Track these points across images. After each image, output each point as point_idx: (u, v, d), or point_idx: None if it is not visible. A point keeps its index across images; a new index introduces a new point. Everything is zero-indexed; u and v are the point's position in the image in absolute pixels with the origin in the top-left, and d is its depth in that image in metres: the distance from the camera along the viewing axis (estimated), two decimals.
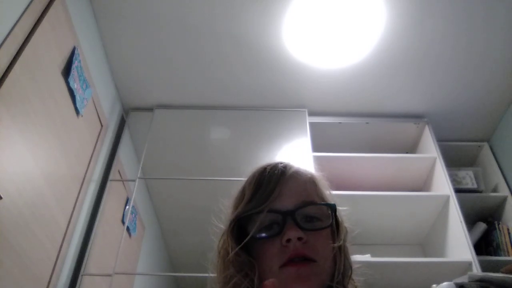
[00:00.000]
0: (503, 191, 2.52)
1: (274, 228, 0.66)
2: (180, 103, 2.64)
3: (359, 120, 2.68)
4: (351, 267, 0.72)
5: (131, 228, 2.47)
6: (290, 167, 0.73)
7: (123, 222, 2.39)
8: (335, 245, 0.68)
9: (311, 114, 2.63)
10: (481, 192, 2.59)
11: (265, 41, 2.32)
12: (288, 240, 0.63)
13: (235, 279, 0.66)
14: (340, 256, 0.69)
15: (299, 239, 0.64)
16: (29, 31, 1.59)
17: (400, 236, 2.60)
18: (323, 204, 0.70)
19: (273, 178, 0.70)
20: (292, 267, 0.63)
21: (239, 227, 0.69)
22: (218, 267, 0.70)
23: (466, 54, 2.38)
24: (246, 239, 0.66)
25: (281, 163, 0.74)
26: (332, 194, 0.76)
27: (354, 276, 0.74)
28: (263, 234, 0.66)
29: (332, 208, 0.70)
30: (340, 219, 0.72)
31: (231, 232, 0.69)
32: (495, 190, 2.59)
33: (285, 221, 0.65)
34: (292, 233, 0.63)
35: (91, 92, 2.10)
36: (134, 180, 2.43)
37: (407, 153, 2.79)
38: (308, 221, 0.67)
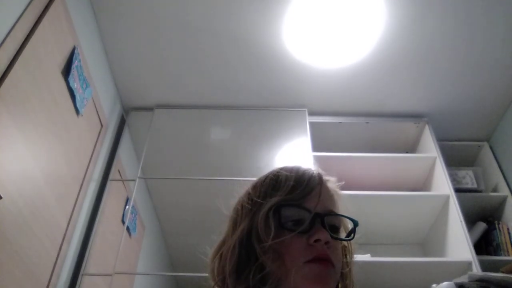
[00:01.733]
0: (503, 190, 2.52)
1: (303, 225, 0.67)
2: (180, 103, 2.64)
3: (359, 119, 2.68)
4: (353, 283, 0.74)
5: (131, 227, 2.47)
6: (323, 174, 0.76)
7: (123, 222, 2.39)
8: (347, 259, 0.73)
9: (311, 113, 2.63)
10: (481, 191, 2.58)
11: (265, 41, 2.32)
12: (317, 241, 0.66)
13: (269, 267, 0.66)
14: (349, 270, 0.73)
15: (327, 243, 0.66)
16: (29, 31, 1.59)
17: (400, 236, 2.60)
18: (349, 218, 0.73)
19: (312, 180, 0.72)
20: (318, 264, 0.65)
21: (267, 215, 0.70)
22: (236, 255, 0.69)
23: (466, 54, 2.38)
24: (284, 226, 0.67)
25: (314, 169, 0.76)
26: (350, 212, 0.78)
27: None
28: (295, 228, 0.67)
29: (355, 224, 0.73)
30: (353, 236, 0.74)
31: (272, 215, 0.69)
32: (495, 189, 2.59)
33: (314, 222, 0.67)
34: (323, 235, 0.66)
35: (91, 92, 2.10)
36: (134, 180, 2.43)
37: (407, 152, 2.79)
38: (333, 229, 0.70)
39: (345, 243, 0.74)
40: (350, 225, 0.73)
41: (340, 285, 0.72)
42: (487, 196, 2.54)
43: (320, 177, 0.74)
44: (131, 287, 2.43)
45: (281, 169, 0.76)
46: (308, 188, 0.71)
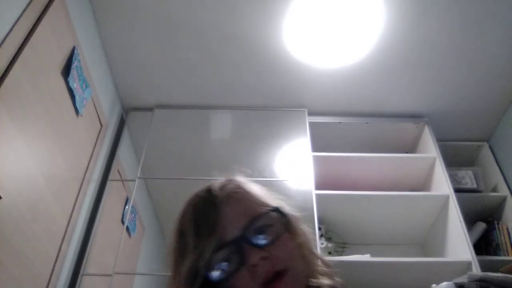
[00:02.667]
0: (503, 191, 2.52)
1: (234, 262, 0.62)
2: (180, 103, 2.64)
3: (359, 120, 2.68)
4: (317, 258, 0.69)
5: (130, 228, 2.47)
6: (221, 190, 0.68)
7: (122, 222, 2.39)
8: (296, 242, 0.66)
9: (311, 113, 2.63)
10: (480, 192, 2.58)
11: (265, 41, 2.32)
12: (255, 265, 0.60)
13: None
14: (305, 251, 0.67)
15: (263, 258, 0.61)
16: (28, 31, 1.59)
17: (400, 236, 2.60)
18: (267, 211, 0.65)
19: (210, 212, 0.65)
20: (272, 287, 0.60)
21: (193, 276, 0.63)
22: None
23: (466, 54, 2.38)
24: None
25: (208, 189, 0.69)
26: (270, 193, 0.72)
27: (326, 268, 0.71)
28: (226, 273, 0.62)
29: (276, 211, 0.66)
30: (289, 215, 0.68)
31: (189, 284, 0.63)
32: (494, 190, 2.59)
33: (241, 249, 0.61)
34: (254, 258, 0.61)
35: (91, 92, 2.10)
36: (133, 180, 2.43)
37: (407, 153, 2.79)
38: (264, 236, 0.63)
39: (288, 226, 0.67)
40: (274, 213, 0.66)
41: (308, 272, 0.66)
42: (486, 196, 2.54)
43: (215, 200, 0.67)
44: (131, 287, 2.43)
45: (181, 215, 0.69)
46: (210, 225, 0.64)
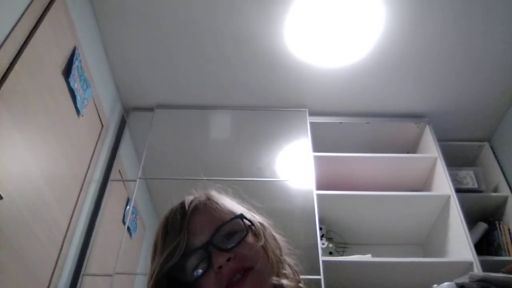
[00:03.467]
0: (504, 191, 2.52)
1: (203, 264, 0.67)
2: (181, 103, 2.64)
3: (359, 120, 2.67)
4: (279, 257, 0.74)
5: (131, 228, 2.47)
6: (190, 202, 0.75)
7: (123, 222, 2.39)
8: (259, 244, 0.71)
9: (312, 114, 2.63)
10: (481, 192, 2.58)
11: (266, 41, 2.32)
12: (220, 267, 0.66)
13: None
14: (267, 251, 0.72)
15: (228, 260, 0.66)
16: (29, 31, 1.59)
17: (401, 236, 2.60)
18: (232, 219, 0.71)
19: (177, 222, 0.71)
20: (235, 286, 0.66)
21: (167, 279, 0.69)
22: None
23: (466, 54, 2.38)
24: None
25: (181, 203, 0.76)
26: (236, 203, 0.78)
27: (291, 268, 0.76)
28: (195, 275, 0.68)
29: (240, 217, 0.72)
30: (253, 221, 0.74)
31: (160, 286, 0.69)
32: (495, 190, 2.59)
33: (209, 253, 0.67)
34: (220, 259, 0.66)
35: (92, 92, 2.10)
36: (134, 180, 2.43)
37: (407, 153, 2.78)
38: (230, 239, 0.69)
39: (253, 230, 0.73)
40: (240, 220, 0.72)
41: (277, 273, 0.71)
42: (487, 196, 2.54)
43: (184, 211, 0.73)
44: (132, 287, 2.43)
45: (155, 233, 0.75)
46: (177, 232, 0.70)
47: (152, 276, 0.70)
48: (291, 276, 0.74)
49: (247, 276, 0.66)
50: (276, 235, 0.78)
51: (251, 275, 0.66)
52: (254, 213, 0.79)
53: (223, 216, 0.72)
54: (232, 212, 0.74)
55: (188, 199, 0.76)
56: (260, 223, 0.76)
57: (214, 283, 0.66)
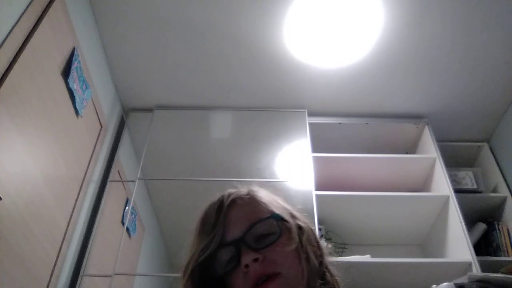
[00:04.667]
0: (503, 191, 2.52)
1: (233, 261, 0.67)
2: (180, 103, 2.64)
3: (359, 120, 2.68)
4: (316, 265, 0.70)
5: (130, 228, 2.47)
6: (228, 196, 0.73)
7: (122, 223, 2.39)
8: (288, 249, 0.67)
9: (311, 114, 2.63)
10: (481, 192, 2.58)
11: (265, 42, 2.32)
12: (247, 266, 0.64)
13: None
14: (300, 258, 0.68)
15: (255, 260, 0.64)
16: (28, 32, 1.59)
17: (400, 237, 2.60)
18: (266, 218, 0.69)
19: (215, 214, 0.71)
20: None
21: (200, 270, 0.69)
22: None
23: (465, 54, 2.38)
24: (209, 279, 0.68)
25: (221, 195, 0.74)
26: (278, 201, 0.76)
27: (334, 273, 0.73)
28: (225, 270, 0.67)
29: (276, 218, 0.70)
30: (289, 225, 0.71)
31: (192, 280, 0.69)
32: (494, 190, 2.59)
33: (239, 250, 0.66)
34: (246, 258, 0.64)
35: (91, 93, 2.10)
36: (133, 181, 2.43)
37: (407, 153, 2.79)
38: (262, 240, 0.67)
39: (288, 234, 0.69)
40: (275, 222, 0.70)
41: (313, 282, 0.68)
42: (487, 197, 2.54)
43: (221, 204, 0.72)
44: None
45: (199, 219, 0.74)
46: (212, 226, 0.69)
47: (186, 267, 0.70)
48: (330, 285, 0.71)
49: (271, 282, 0.64)
50: (321, 242, 0.75)
51: (276, 281, 0.64)
52: (297, 214, 0.76)
53: (260, 214, 0.70)
54: (270, 211, 0.71)
55: (228, 192, 0.75)
56: (299, 225, 0.72)
57: (241, 282, 0.65)
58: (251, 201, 0.72)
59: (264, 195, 0.75)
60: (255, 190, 0.76)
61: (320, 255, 0.72)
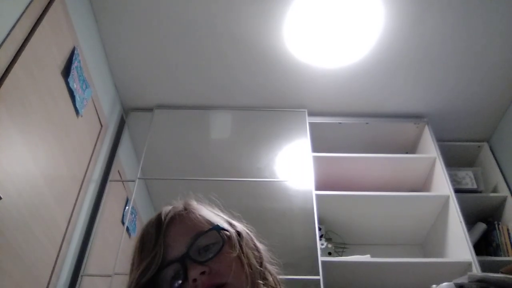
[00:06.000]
0: (503, 191, 2.52)
1: (179, 278, 0.67)
2: (180, 103, 2.64)
3: (359, 120, 2.68)
4: (257, 268, 0.73)
5: (131, 228, 2.47)
6: (166, 213, 0.74)
7: (123, 223, 2.39)
8: (231, 256, 0.69)
9: (311, 114, 2.63)
10: (481, 192, 2.58)
11: (265, 41, 2.32)
12: (194, 280, 0.65)
13: None
14: (242, 263, 0.71)
15: (202, 273, 0.65)
16: (28, 31, 1.59)
17: (400, 237, 2.60)
18: (209, 230, 0.70)
19: (153, 234, 0.71)
20: None
21: None
22: None
23: (465, 54, 2.38)
24: None
25: (158, 214, 0.74)
26: (214, 211, 0.78)
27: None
28: (174, 287, 0.67)
29: (217, 229, 0.71)
30: (229, 233, 0.72)
31: None
32: (495, 190, 2.59)
33: (185, 265, 0.66)
34: (194, 273, 0.65)
35: (91, 92, 2.10)
36: (134, 181, 2.43)
37: (407, 153, 2.79)
38: (205, 252, 0.68)
39: (238, 247, 0.71)
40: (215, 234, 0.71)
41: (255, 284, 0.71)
42: (487, 197, 2.54)
43: (159, 223, 0.72)
44: None
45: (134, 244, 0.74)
46: (152, 245, 0.69)
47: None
48: (272, 285, 0.73)
49: None
50: (259, 245, 0.77)
51: None
52: (234, 222, 0.77)
53: (200, 227, 0.71)
54: (210, 223, 0.72)
55: (166, 210, 0.75)
56: (238, 232, 0.74)
57: None
58: (189, 215, 0.73)
59: (200, 207, 0.76)
60: (191, 204, 0.77)
61: (259, 257, 0.75)
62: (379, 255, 2.26)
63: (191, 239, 0.69)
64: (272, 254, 0.79)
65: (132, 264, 0.72)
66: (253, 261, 0.72)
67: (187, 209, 0.74)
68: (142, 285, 0.67)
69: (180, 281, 0.66)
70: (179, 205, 0.76)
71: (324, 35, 2.29)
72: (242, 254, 0.71)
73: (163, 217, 0.73)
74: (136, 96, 2.62)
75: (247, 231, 0.78)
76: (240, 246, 0.72)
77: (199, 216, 0.73)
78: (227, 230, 0.72)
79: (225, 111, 2.67)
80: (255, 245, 0.76)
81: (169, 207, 0.76)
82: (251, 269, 0.71)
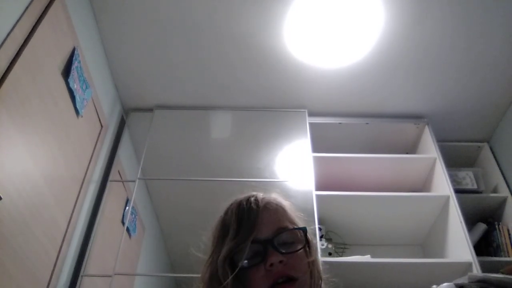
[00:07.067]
0: (503, 191, 2.52)
1: (258, 257, 0.75)
2: (180, 103, 2.64)
3: (359, 120, 2.68)
4: (321, 277, 0.82)
5: (131, 228, 2.47)
6: (262, 199, 0.82)
7: (123, 223, 2.39)
8: (309, 260, 0.78)
9: (311, 114, 2.63)
10: (481, 192, 2.58)
11: (265, 41, 2.32)
12: (271, 265, 0.73)
13: None
14: (314, 269, 0.79)
15: (280, 262, 0.73)
16: (29, 32, 1.59)
17: (400, 237, 2.60)
18: (296, 229, 0.79)
19: (251, 212, 0.79)
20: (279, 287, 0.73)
21: (228, 259, 0.77)
22: None
23: (465, 54, 2.38)
24: (237, 269, 0.75)
25: (252, 196, 0.83)
26: (301, 216, 0.86)
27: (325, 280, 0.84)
28: (250, 263, 0.75)
29: (304, 231, 0.80)
30: (310, 238, 0.80)
31: (226, 264, 0.76)
32: (495, 190, 2.59)
33: (266, 249, 0.74)
34: (274, 258, 0.73)
35: (91, 93, 2.10)
36: (134, 181, 2.43)
37: (407, 153, 2.79)
38: (286, 246, 0.76)
39: (306, 246, 0.79)
40: (300, 234, 0.79)
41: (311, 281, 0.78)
42: (487, 197, 2.54)
43: (257, 204, 0.80)
44: None
45: (226, 210, 0.83)
46: (250, 222, 0.77)
47: (225, 255, 0.76)
48: None
49: (289, 285, 0.73)
50: (317, 255, 0.85)
51: (295, 285, 0.73)
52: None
53: (286, 222, 0.79)
54: (294, 221, 0.81)
55: (259, 194, 0.83)
56: (313, 242, 0.82)
57: (262, 277, 0.73)
58: (279, 208, 0.81)
59: (288, 204, 0.85)
60: (279, 198, 0.85)
61: (320, 271, 0.82)
62: (380, 256, 2.26)
63: (278, 229, 0.77)
64: None
65: (219, 237, 0.80)
66: (316, 272, 0.80)
67: (276, 201, 0.83)
68: (231, 256, 0.76)
69: (257, 261, 0.74)
70: (269, 194, 0.84)
71: (324, 36, 2.29)
72: (314, 262, 0.80)
73: (260, 200, 0.81)
74: (136, 96, 2.62)
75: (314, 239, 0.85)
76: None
77: (287, 212, 0.82)
78: (308, 237, 0.80)
79: (225, 111, 2.67)
80: (318, 258, 0.84)
81: (261, 193, 0.84)
82: (314, 279, 0.79)
